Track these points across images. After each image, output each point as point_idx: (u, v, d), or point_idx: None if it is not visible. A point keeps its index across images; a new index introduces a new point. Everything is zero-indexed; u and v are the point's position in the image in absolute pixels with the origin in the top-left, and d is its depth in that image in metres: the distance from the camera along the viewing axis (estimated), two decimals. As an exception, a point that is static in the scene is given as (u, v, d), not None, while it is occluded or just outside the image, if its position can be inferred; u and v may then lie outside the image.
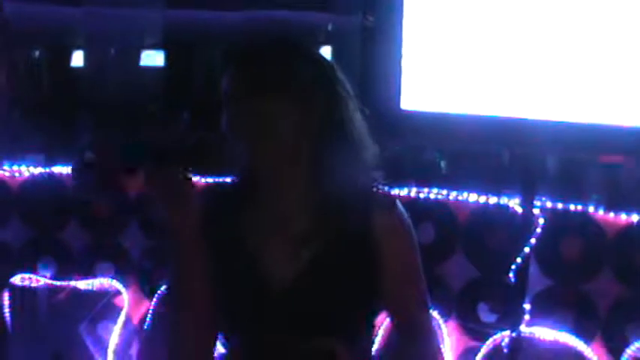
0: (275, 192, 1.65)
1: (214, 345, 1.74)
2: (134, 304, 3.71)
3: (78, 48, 7.25)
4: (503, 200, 3.22)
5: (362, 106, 1.70)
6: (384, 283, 1.65)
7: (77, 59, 7.35)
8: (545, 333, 3.11)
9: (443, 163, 4.92)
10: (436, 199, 3.31)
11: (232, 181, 1.72)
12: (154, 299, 3.59)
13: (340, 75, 1.68)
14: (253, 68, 1.61)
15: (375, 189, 1.68)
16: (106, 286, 3.70)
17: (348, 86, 1.68)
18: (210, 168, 1.68)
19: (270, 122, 1.58)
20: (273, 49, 1.65)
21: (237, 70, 1.63)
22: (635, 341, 3.03)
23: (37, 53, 7.59)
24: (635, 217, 3.09)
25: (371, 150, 1.67)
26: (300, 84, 1.61)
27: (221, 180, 1.77)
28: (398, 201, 1.70)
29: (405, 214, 1.70)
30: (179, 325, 1.68)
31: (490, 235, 3.25)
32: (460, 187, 3.33)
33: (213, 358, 1.76)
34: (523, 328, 2.89)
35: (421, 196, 3.30)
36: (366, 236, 1.63)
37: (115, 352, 3.64)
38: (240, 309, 1.67)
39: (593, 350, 3.10)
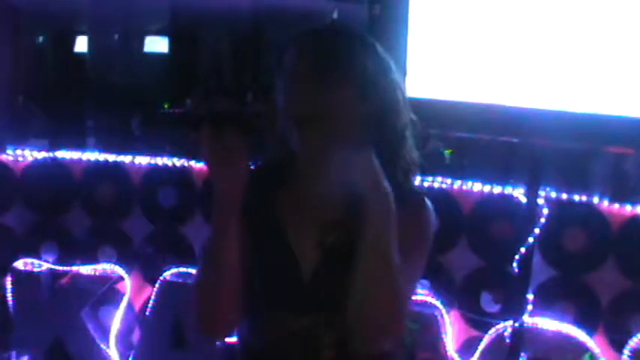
0: (315, 177, 1.64)
1: (239, 319, 1.71)
2: (136, 289, 3.71)
3: (82, 34, 7.24)
4: (508, 190, 3.21)
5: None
6: None
7: (81, 45, 7.34)
8: (548, 324, 3.11)
9: (448, 153, 4.92)
10: (440, 188, 3.30)
11: (272, 159, 1.72)
12: (156, 285, 3.59)
13: (403, 85, 1.70)
14: (325, 52, 1.61)
15: (408, 185, 1.68)
16: (109, 271, 3.70)
17: (403, 84, 1.70)
18: (263, 139, 1.66)
19: (329, 107, 1.58)
20: (344, 37, 1.65)
21: (307, 52, 1.63)
22: (638, 333, 3.03)
23: (41, 39, 7.58)
24: (639, 209, 3.08)
25: (411, 146, 1.69)
26: (365, 75, 1.62)
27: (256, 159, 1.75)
28: (427, 201, 1.70)
29: (432, 216, 1.70)
30: (209, 291, 1.63)
31: (494, 225, 3.24)
32: (464, 176, 3.32)
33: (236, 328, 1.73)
34: (526, 318, 2.89)
35: (425, 185, 3.29)
36: None
37: (117, 338, 3.65)
38: (266, 288, 1.66)
39: (595, 341, 3.09)
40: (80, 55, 7.26)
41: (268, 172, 1.72)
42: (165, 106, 5.84)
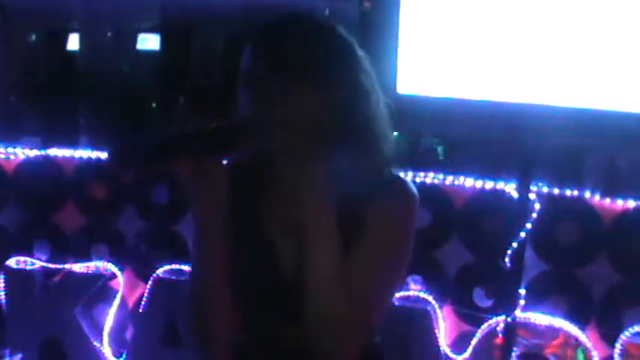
0: (290, 173, 1.58)
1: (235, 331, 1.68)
2: (129, 287, 3.71)
3: (74, 32, 7.22)
4: (500, 185, 3.22)
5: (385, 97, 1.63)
6: (357, 258, 1.57)
7: (73, 43, 7.32)
8: (540, 318, 3.12)
9: (440, 148, 4.92)
10: (432, 184, 3.30)
11: (248, 157, 1.66)
12: (149, 282, 3.58)
13: (367, 65, 1.61)
14: (277, 50, 1.53)
15: (382, 182, 1.60)
16: (102, 269, 3.70)
17: (374, 78, 1.62)
18: (239, 151, 1.61)
19: (288, 107, 1.51)
20: (298, 31, 1.57)
21: (259, 51, 1.55)
22: (630, 327, 3.04)
23: (33, 37, 7.56)
24: (631, 204, 3.09)
25: (390, 145, 1.61)
26: (324, 71, 1.54)
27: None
28: (408, 188, 1.61)
29: (411, 202, 1.61)
30: (201, 306, 1.60)
31: (486, 220, 3.25)
32: (457, 172, 3.32)
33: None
34: (518, 313, 2.89)
35: (417, 180, 3.29)
36: (364, 218, 1.58)
37: (110, 335, 3.65)
38: (253, 297, 1.63)
39: (587, 335, 3.11)
40: (72, 53, 7.24)
41: (246, 171, 1.66)
42: (153, 105, 5.84)
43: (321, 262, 1.53)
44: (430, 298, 3.26)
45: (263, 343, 1.67)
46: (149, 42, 7.11)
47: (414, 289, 3.28)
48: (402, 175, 1.64)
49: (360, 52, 1.61)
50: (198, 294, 1.60)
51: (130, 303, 3.72)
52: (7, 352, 3.76)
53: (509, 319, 2.82)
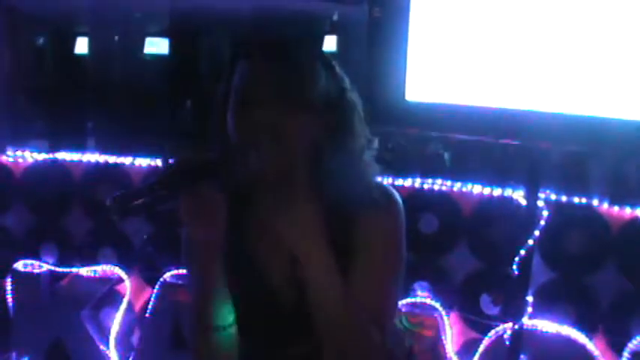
0: (277, 195, 1.60)
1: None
2: (136, 291, 3.72)
3: (83, 35, 7.23)
4: (508, 192, 3.22)
5: (365, 108, 1.68)
6: (357, 272, 1.61)
7: (81, 46, 7.33)
8: (548, 326, 3.11)
9: (447, 155, 4.91)
10: (440, 191, 3.30)
11: (236, 179, 1.65)
12: (156, 286, 3.59)
13: (348, 83, 1.65)
14: (278, 72, 1.55)
15: (370, 196, 1.64)
16: (109, 273, 3.71)
17: (355, 94, 1.66)
18: (236, 180, 1.60)
19: (280, 129, 1.53)
20: (297, 52, 1.59)
21: (258, 71, 1.56)
22: (637, 335, 3.03)
23: (41, 40, 7.57)
24: (639, 211, 3.08)
25: (370, 158, 1.66)
26: (317, 93, 1.58)
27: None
28: (392, 205, 1.65)
29: (398, 208, 1.65)
30: (205, 340, 1.60)
31: (494, 228, 3.24)
32: (464, 178, 3.32)
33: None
34: (525, 320, 2.89)
35: (425, 187, 3.29)
36: (352, 238, 1.61)
37: (117, 339, 3.65)
38: (247, 320, 1.64)
39: (595, 344, 3.10)
40: (80, 56, 7.26)
41: (234, 194, 1.64)
42: (161, 108, 5.83)
43: (324, 292, 1.54)
44: (437, 305, 3.25)
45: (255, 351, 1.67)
46: (157, 46, 7.12)
47: (421, 296, 3.28)
48: (381, 181, 1.68)
49: (342, 72, 1.65)
50: (197, 312, 1.60)
51: (137, 307, 3.73)
52: (14, 355, 3.77)
53: (516, 327, 2.82)
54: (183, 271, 3.57)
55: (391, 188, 1.68)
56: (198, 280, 1.59)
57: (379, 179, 1.69)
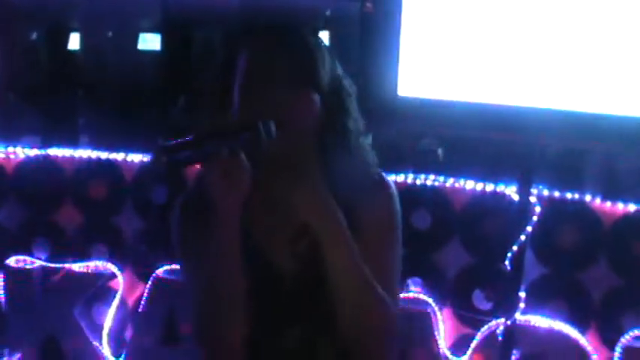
0: (290, 172, 1.62)
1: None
2: (129, 287, 3.71)
3: (76, 31, 7.22)
4: (500, 188, 3.22)
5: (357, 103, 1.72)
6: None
7: (74, 42, 7.32)
8: (540, 321, 3.11)
9: (440, 151, 4.91)
10: (433, 186, 3.30)
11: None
12: (149, 282, 3.58)
13: (341, 70, 1.70)
14: (281, 54, 1.59)
15: (370, 178, 1.69)
16: (101, 268, 3.70)
17: (349, 80, 1.70)
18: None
19: (285, 112, 1.56)
20: (296, 36, 1.63)
21: (261, 55, 1.59)
22: (630, 330, 3.04)
23: (34, 35, 7.55)
24: (631, 207, 3.09)
25: (367, 142, 1.70)
26: (321, 76, 1.61)
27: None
28: (390, 188, 1.71)
29: (393, 202, 1.70)
30: (219, 318, 1.60)
31: (486, 223, 3.24)
32: (458, 174, 3.32)
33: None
34: (518, 316, 2.89)
35: (418, 182, 3.29)
36: (353, 218, 1.64)
37: (110, 335, 3.64)
38: (255, 297, 1.63)
39: (587, 339, 3.10)
40: (74, 52, 7.24)
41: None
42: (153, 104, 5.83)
43: (343, 264, 1.58)
44: (430, 301, 3.26)
45: (268, 345, 1.67)
46: (150, 42, 7.10)
47: (414, 291, 3.28)
48: (381, 176, 1.72)
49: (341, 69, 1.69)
50: (213, 302, 1.59)
51: (130, 303, 3.72)
52: (6, 351, 3.76)
53: (508, 322, 2.82)
54: (177, 267, 3.57)
55: (385, 175, 1.73)
56: (216, 256, 1.58)
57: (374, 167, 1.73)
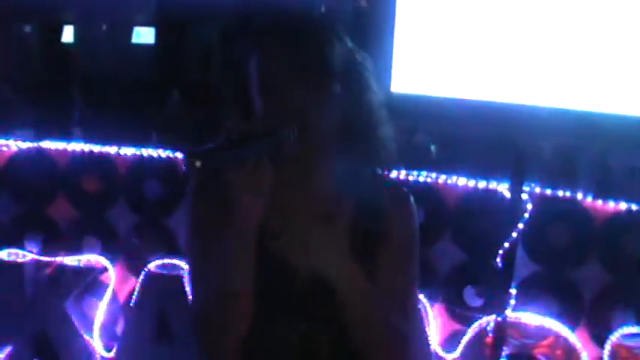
0: (299, 176, 1.62)
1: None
2: (121, 281, 3.71)
3: (70, 24, 7.19)
4: (493, 185, 3.23)
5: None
6: (380, 265, 1.64)
7: (68, 35, 7.29)
8: (531, 318, 3.12)
9: (434, 147, 4.91)
10: (425, 183, 3.31)
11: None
12: (141, 276, 3.58)
13: (361, 55, 1.65)
14: (302, 50, 1.56)
15: (389, 181, 1.70)
16: (93, 262, 3.70)
17: (370, 64, 1.66)
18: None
19: (306, 111, 1.54)
20: (319, 31, 1.60)
21: (282, 52, 1.56)
22: (619, 328, 3.05)
23: (27, 28, 7.52)
24: (623, 206, 3.10)
25: (389, 138, 1.66)
26: (337, 71, 1.58)
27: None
28: (411, 195, 1.70)
29: (415, 210, 1.70)
30: (218, 317, 1.58)
31: (478, 220, 3.25)
32: (450, 170, 3.33)
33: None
34: (509, 312, 2.90)
35: (410, 179, 3.30)
36: (377, 224, 1.63)
37: (101, 329, 3.64)
38: (258, 293, 1.61)
39: (577, 336, 3.12)
40: (67, 45, 7.22)
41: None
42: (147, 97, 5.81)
43: (351, 300, 1.57)
44: (421, 297, 3.26)
45: (270, 342, 1.66)
46: (144, 36, 7.09)
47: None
48: (401, 183, 1.76)
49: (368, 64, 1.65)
50: (217, 301, 1.58)
51: (121, 297, 3.72)
52: (-2, 344, 3.76)
53: (499, 319, 2.83)
54: (168, 261, 3.57)
55: (408, 192, 1.71)
56: (230, 256, 1.57)
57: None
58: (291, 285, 1.62)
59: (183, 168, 1.48)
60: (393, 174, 1.74)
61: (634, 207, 3.06)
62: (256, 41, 1.61)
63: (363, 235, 1.61)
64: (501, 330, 2.85)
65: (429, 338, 3.23)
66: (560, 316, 3.13)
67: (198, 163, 1.45)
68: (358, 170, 1.64)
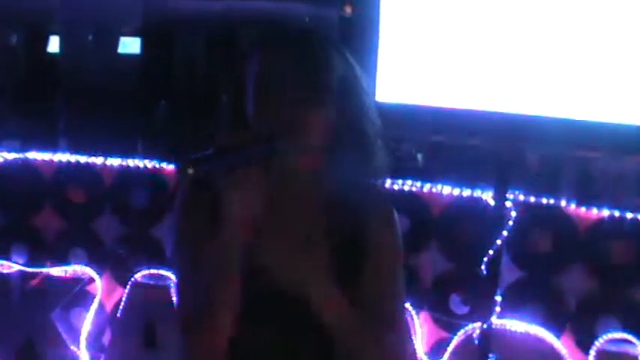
0: (287, 189, 1.62)
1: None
2: (107, 291, 3.70)
3: (56, 34, 7.20)
4: (477, 193, 3.24)
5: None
6: (365, 283, 1.64)
7: (54, 45, 7.30)
8: (517, 325, 3.14)
9: (420, 156, 4.94)
10: (410, 191, 3.32)
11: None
12: (128, 287, 3.58)
13: (359, 70, 1.66)
14: (300, 60, 1.56)
15: (375, 196, 1.68)
16: (80, 273, 3.69)
17: (372, 90, 1.71)
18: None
19: (303, 125, 1.55)
20: (317, 42, 1.61)
21: (279, 60, 1.57)
22: (604, 334, 3.07)
23: (14, 38, 7.52)
24: (605, 212, 3.12)
25: (382, 151, 1.67)
26: (334, 82, 1.59)
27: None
28: (394, 210, 1.71)
29: (398, 226, 1.71)
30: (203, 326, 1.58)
31: (463, 228, 3.27)
32: (435, 179, 3.35)
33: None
34: (494, 319, 2.92)
35: (395, 188, 3.31)
36: (362, 242, 1.64)
37: (88, 340, 3.64)
38: (246, 305, 1.61)
39: (563, 342, 3.13)
40: (53, 55, 7.22)
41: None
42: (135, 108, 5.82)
43: (332, 320, 1.57)
44: (407, 305, 3.28)
45: (251, 348, 1.66)
46: (131, 45, 7.10)
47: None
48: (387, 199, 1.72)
49: (365, 77, 1.66)
50: (202, 306, 1.58)
51: (108, 307, 3.72)
52: (-16, 355, 3.75)
53: (485, 326, 2.84)
54: (155, 272, 3.57)
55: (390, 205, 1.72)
56: (218, 266, 1.57)
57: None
58: (275, 301, 1.61)
59: (176, 176, 1.50)
60: (382, 185, 1.72)
61: (617, 213, 3.09)
62: (259, 46, 1.61)
63: (347, 254, 1.61)
64: (487, 337, 2.86)
65: (415, 348, 3.25)
66: (546, 323, 3.15)
67: (190, 171, 1.46)
68: (350, 182, 1.63)
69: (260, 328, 1.64)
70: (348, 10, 3.00)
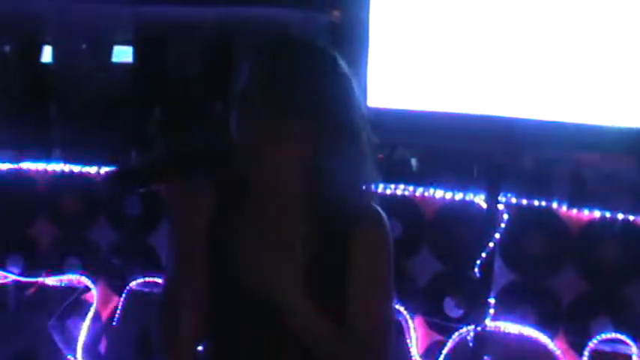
0: (269, 197, 1.62)
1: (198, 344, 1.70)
2: (103, 300, 3.71)
3: (48, 43, 7.20)
4: (469, 196, 3.26)
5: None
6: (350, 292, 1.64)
7: (47, 54, 7.30)
8: (510, 327, 3.15)
9: (414, 161, 4.95)
10: (403, 196, 3.34)
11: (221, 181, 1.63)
12: (123, 295, 3.59)
13: (353, 82, 1.64)
14: (279, 73, 1.55)
15: (365, 202, 1.66)
16: (75, 282, 3.70)
17: (363, 102, 1.66)
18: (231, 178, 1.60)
19: (286, 134, 1.54)
20: (302, 54, 1.59)
21: (260, 71, 1.56)
22: (597, 335, 3.09)
23: (6, 48, 7.52)
24: (597, 214, 3.14)
25: (372, 162, 1.66)
26: (325, 102, 1.57)
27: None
28: (384, 216, 1.68)
29: (388, 230, 1.68)
30: (171, 325, 1.60)
31: (456, 231, 3.28)
32: (429, 183, 3.36)
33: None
34: (488, 322, 2.93)
35: (388, 192, 3.32)
36: (347, 246, 1.63)
37: (84, 348, 3.64)
38: (224, 304, 1.64)
39: (556, 344, 3.15)
40: (47, 65, 7.22)
41: (221, 196, 1.63)
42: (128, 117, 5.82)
43: (308, 334, 1.58)
44: (401, 309, 3.29)
45: (227, 348, 1.68)
46: (124, 54, 7.10)
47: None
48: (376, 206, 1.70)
49: (352, 78, 1.64)
50: (170, 301, 1.61)
51: (104, 316, 3.72)
52: (-20, 365, 3.75)
53: (479, 329, 2.86)
54: (150, 280, 3.58)
55: (380, 209, 1.70)
56: (174, 267, 1.60)
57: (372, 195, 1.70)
58: (250, 304, 1.61)
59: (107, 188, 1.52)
60: (372, 190, 1.71)
61: (608, 215, 3.10)
62: (256, 50, 1.61)
63: (333, 258, 1.61)
64: (481, 339, 2.87)
65: (411, 350, 3.26)
66: (539, 324, 3.16)
67: (117, 186, 1.49)
68: (340, 187, 1.62)
69: (238, 330, 1.65)
70: (337, 15, 3.00)
